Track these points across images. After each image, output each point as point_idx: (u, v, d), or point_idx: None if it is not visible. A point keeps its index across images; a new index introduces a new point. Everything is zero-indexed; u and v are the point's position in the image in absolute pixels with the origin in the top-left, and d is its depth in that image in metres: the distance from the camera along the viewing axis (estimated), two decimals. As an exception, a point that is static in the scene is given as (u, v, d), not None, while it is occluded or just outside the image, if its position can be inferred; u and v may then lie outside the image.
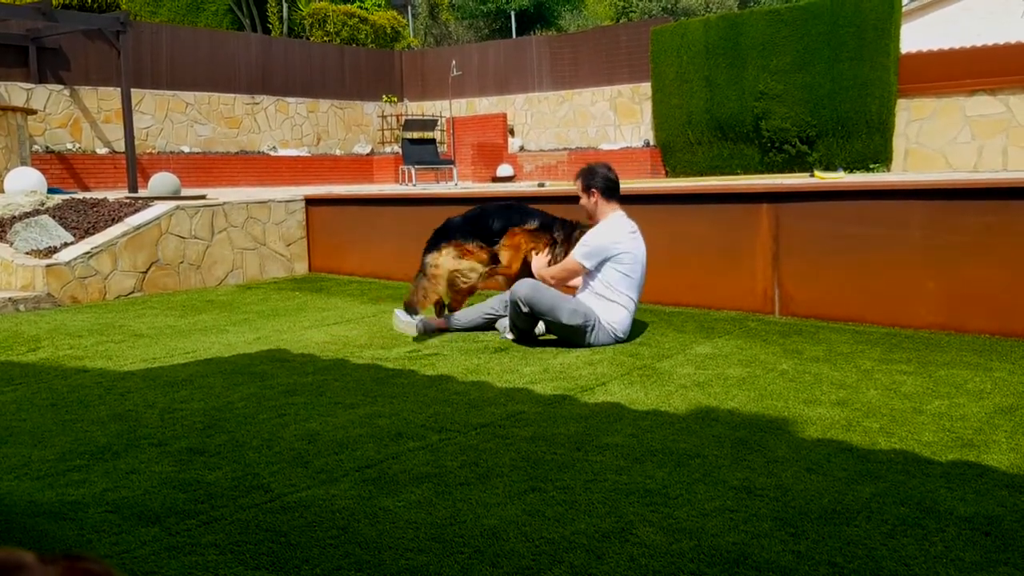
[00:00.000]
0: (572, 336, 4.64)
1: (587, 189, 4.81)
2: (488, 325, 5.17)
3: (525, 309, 4.63)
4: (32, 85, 12.51)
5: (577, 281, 4.92)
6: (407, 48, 19.80)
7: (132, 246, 7.31)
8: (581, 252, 4.73)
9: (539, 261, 5.03)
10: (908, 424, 3.18)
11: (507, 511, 2.44)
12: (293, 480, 2.73)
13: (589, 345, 4.65)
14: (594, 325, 4.65)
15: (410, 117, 16.82)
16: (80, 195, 9.00)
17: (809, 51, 12.42)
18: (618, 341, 4.74)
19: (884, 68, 12.11)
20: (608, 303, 4.71)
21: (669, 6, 21.81)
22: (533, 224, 5.17)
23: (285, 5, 19.97)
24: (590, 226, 4.89)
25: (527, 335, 4.79)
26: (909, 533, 2.24)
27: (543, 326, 4.81)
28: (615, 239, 4.71)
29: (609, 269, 4.70)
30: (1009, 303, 4.79)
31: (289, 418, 3.44)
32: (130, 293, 7.27)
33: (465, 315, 5.22)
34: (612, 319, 4.70)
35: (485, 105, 17.41)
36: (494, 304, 5.13)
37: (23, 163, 9.66)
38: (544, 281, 4.78)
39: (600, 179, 4.80)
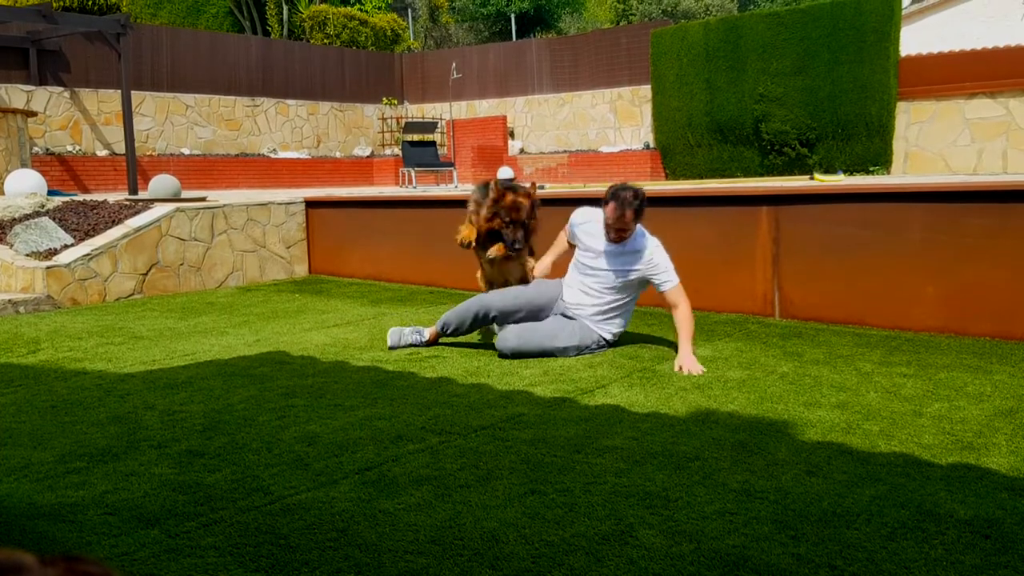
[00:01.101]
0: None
1: (638, 215, 4.49)
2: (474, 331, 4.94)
3: (513, 359, 4.50)
4: (32, 87, 12.52)
5: (584, 292, 4.66)
6: (407, 50, 19.82)
7: (132, 248, 7.31)
8: (674, 273, 4.53)
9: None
10: (908, 427, 3.18)
11: (507, 513, 2.44)
12: (293, 482, 2.73)
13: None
14: (590, 346, 4.62)
15: (410, 119, 16.84)
16: (80, 197, 9.00)
17: (809, 54, 12.43)
18: (617, 342, 4.75)
19: (884, 71, 12.12)
20: (625, 315, 4.71)
21: (669, 9, 21.84)
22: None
23: (285, 7, 19.99)
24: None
25: None
26: (909, 536, 2.24)
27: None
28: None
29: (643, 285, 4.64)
30: (1009, 306, 4.79)
31: (289, 420, 3.44)
32: (130, 295, 7.27)
33: (454, 323, 4.83)
34: (616, 329, 4.71)
35: (485, 107, 17.42)
36: (466, 323, 4.77)
37: (23, 165, 9.66)
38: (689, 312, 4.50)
39: (642, 202, 4.50)
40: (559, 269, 4.97)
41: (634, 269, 4.54)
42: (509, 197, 4.63)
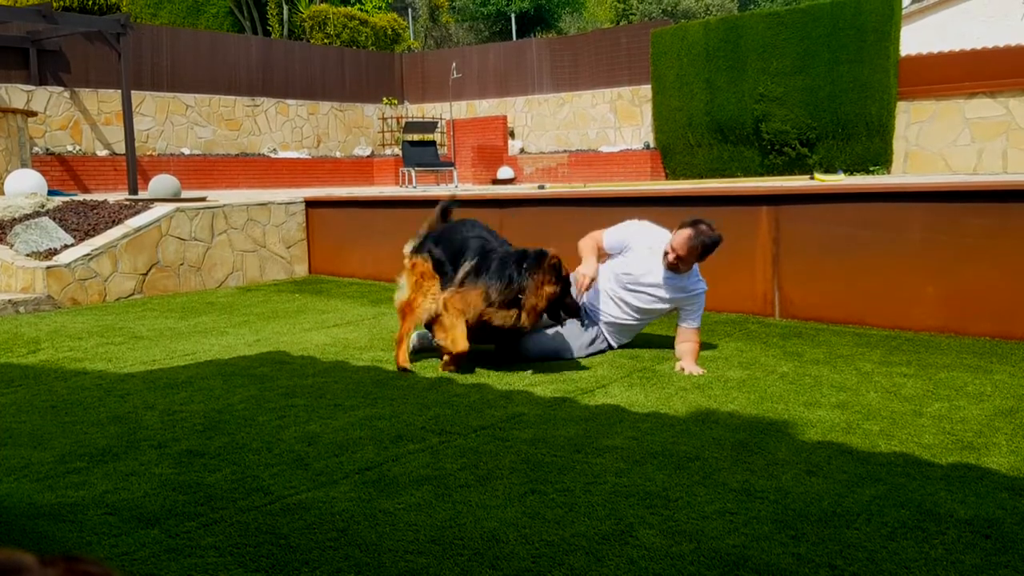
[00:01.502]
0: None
1: (703, 257, 4.45)
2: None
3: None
4: (32, 87, 12.52)
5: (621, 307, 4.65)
6: (407, 50, 19.82)
7: (132, 248, 7.31)
8: (701, 317, 4.51)
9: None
10: (908, 427, 3.18)
11: (507, 513, 2.44)
12: (293, 482, 2.73)
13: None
14: (593, 353, 4.65)
15: (410, 119, 16.83)
16: (80, 197, 9.00)
17: (809, 54, 12.43)
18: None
19: (884, 71, 12.12)
20: (637, 332, 4.78)
21: (669, 8, 21.84)
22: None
23: (285, 7, 19.99)
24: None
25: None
26: (909, 536, 2.24)
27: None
28: None
29: None
30: (1009, 306, 4.79)
31: (289, 420, 3.44)
32: (130, 295, 7.27)
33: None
34: (625, 340, 4.76)
35: (485, 107, 17.42)
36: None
37: (23, 165, 9.66)
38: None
39: (715, 249, 4.45)
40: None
41: (676, 301, 4.51)
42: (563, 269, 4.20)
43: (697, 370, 4.18)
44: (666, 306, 4.56)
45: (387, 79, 17.90)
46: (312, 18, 18.74)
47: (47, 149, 12.48)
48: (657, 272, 4.50)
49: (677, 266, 4.42)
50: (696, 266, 4.53)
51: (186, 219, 7.76)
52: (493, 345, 4.53)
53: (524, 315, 4.11)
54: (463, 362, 4.25)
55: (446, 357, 4.25)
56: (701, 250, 4.35)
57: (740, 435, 3.11)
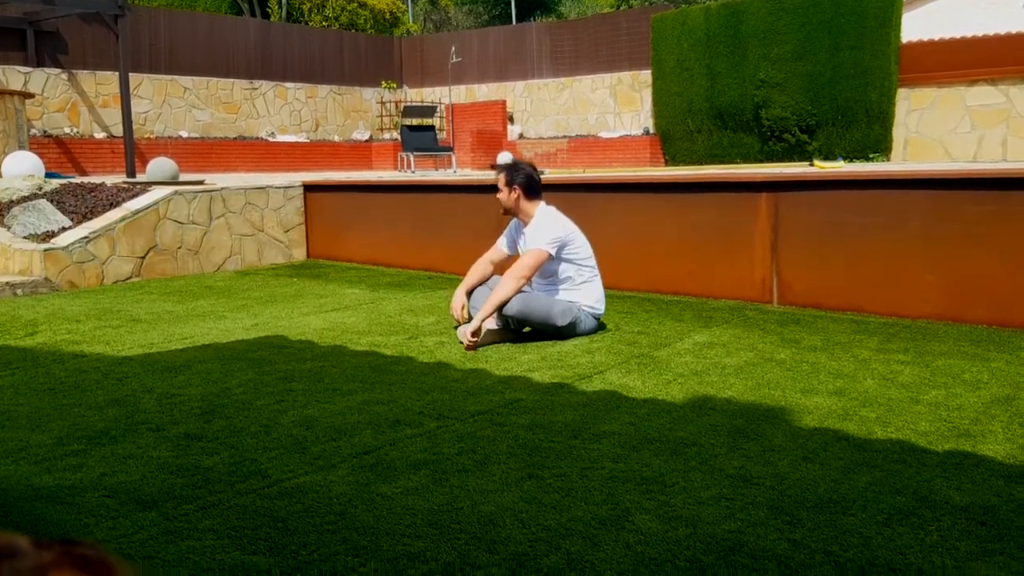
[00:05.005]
0: (562, 332, 4.61)
1: (509, 184, 4.75)
2: None
3: (513, 326, 4.57)
4: (30, 69, 12.46)
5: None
6: (406, 34, 19.73)
7: (130, 231, 7.29)
8: (545, 241, 4.60)
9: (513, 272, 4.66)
10: (905, 414, 3.18)
11: (504, 498, 2.44)
12: (291, 466, 2.74)
13: (578, 335, 4.64)
14: (580, 316, 4.65)
15: (409, 103, 16.77)
16: (78, 180, 8.97)
17: (810, 39, 12.38)
18: (599, 324, 4.75)
19: (885, 57, 12.07)
20: (583, 285, 4.72)
21: (670, -7, 21.72)
22: None
23: (284, -10, 19.88)
24: None
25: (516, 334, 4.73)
26: (905, 522, 2.25)
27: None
28: (563, 225, 4.73)
29: (570, 254, 4.68)
30: (1007, 293, 4.80)
31: (287, 404, 3.44)
32: (128, 278, 7.26)
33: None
34: (590, 300, 4.71)
35: (484, 92, 17.35)
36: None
37: (21, 147, 9.62)
38: (511, 281, 4.55)
39: (523, 176, 4.75)
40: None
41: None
42: None
43: (464, 340, 4.39)
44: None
45: (386, 63, 17.82)
46: (311, 0, 18.63)
47: (44, 131, 12.43)
48: (520, 235, 4.89)
49: (507, 211, 4.81)
50: (545, 207, 4.78)
51: (184, 202, 7.74)
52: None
53: None
54: None
55: None
56: (503, 179, 4.73)
57: (737, 421, 3.11)
